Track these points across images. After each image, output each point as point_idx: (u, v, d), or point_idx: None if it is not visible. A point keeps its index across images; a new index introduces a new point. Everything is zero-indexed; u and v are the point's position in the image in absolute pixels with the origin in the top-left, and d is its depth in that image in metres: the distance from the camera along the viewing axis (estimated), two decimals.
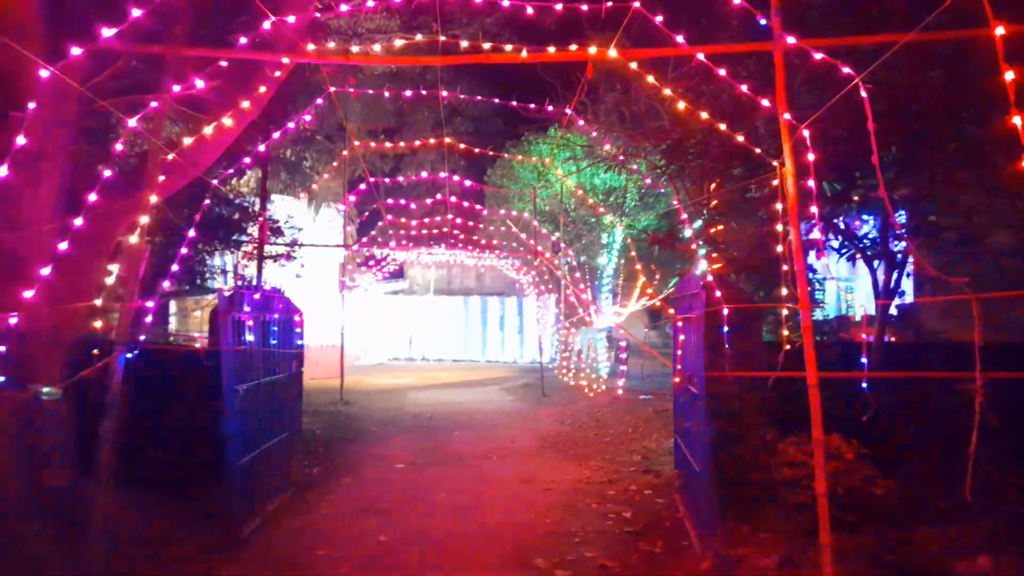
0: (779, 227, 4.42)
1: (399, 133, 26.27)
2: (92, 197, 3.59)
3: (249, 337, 6.53)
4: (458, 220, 16.64)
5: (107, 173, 3.66)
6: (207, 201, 5.50)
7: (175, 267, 5.15)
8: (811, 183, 3.87)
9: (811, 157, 3.85)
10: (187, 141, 4.56)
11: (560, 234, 19.30)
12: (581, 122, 7.31)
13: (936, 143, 7.25)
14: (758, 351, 7.01)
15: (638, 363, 18.58)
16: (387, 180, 16.04)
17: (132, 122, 3.80)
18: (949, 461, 6.13)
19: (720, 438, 6.25)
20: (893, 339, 10.23)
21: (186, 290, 15.71)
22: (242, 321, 6.39)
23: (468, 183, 12.41)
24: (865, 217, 8.61)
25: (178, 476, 6.53)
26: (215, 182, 5.70)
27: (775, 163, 4.40)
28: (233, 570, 5.39)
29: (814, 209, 3.90)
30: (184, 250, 5.16)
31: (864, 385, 4.23)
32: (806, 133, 3.84)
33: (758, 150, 4.79)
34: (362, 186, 12.50)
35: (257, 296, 6.67)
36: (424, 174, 12.68)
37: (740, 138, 4.98)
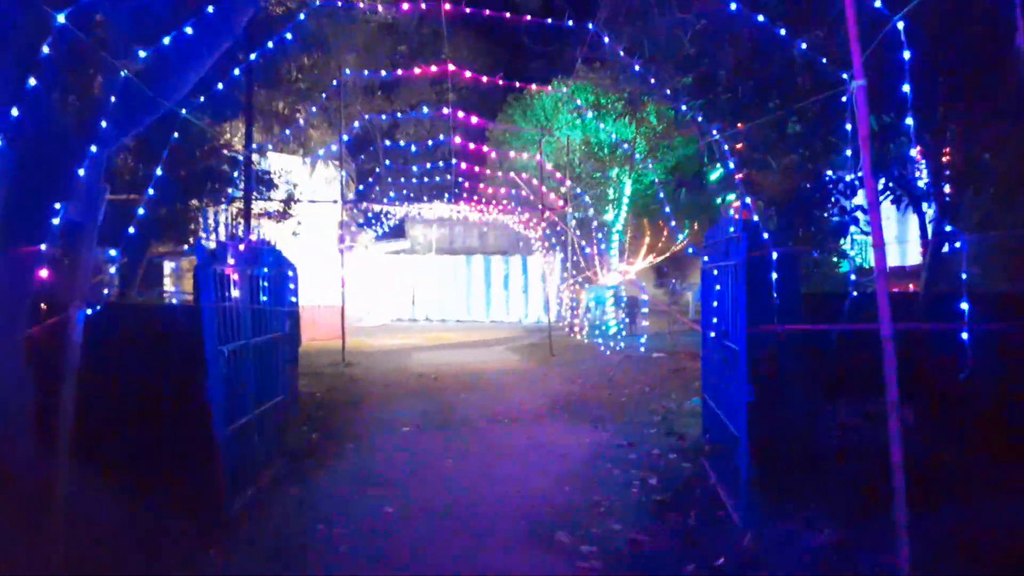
0: (847, 152, 3.74)
1: (397, 90, 25.34)
2: (13, 112, 2.90)
3: (235, 293, 5.89)
4: (462, 165, 15.81)
5: (32, 82, 2.96)
6: (176, 134, 4.78)
7: (141, 211, 4.50)
8: (906, 88, 3.17)
9: (907, 55, 3.15)
10: (143, 54, 3.84)
11: (566, 188, 18.54)
12: (606, 39, 6.53)
13: (991, 74, 6.49)
14: (796, 302, 6.36)
15: (649, 322, 17.97)
16: (384, 116, 15.13)
17: (60, 18, 3.08)
18: None
19: (758, 400, 5.65)
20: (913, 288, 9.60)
21: (182, 250, 15.11)
22: (226, 276, 5.75)
23: (474, 119, 11.57)
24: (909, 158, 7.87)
25: (160, 447, 5.96)
26: (190, 115, 4.98)
27: (844, 75, 3.69)
28: (220, 552, 4.84)
29: (910, 121, 3.20)
30: (151, 191, 4.49)
31: (965, 337, 3.59)
32: (900, 26, 3.13)
33: (824, 59, 4.07)
34: (356, 124, 11.70)
35: (243, 248, 6.01)
36: (425, 109, 11.84)
37: (803, 45, 4.24)
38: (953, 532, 4.43)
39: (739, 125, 7.01)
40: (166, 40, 3.89)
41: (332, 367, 13.52)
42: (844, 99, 3.72)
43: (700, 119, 6.70)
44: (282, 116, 17.27)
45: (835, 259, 10.30)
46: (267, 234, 15.29)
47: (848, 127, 3.76)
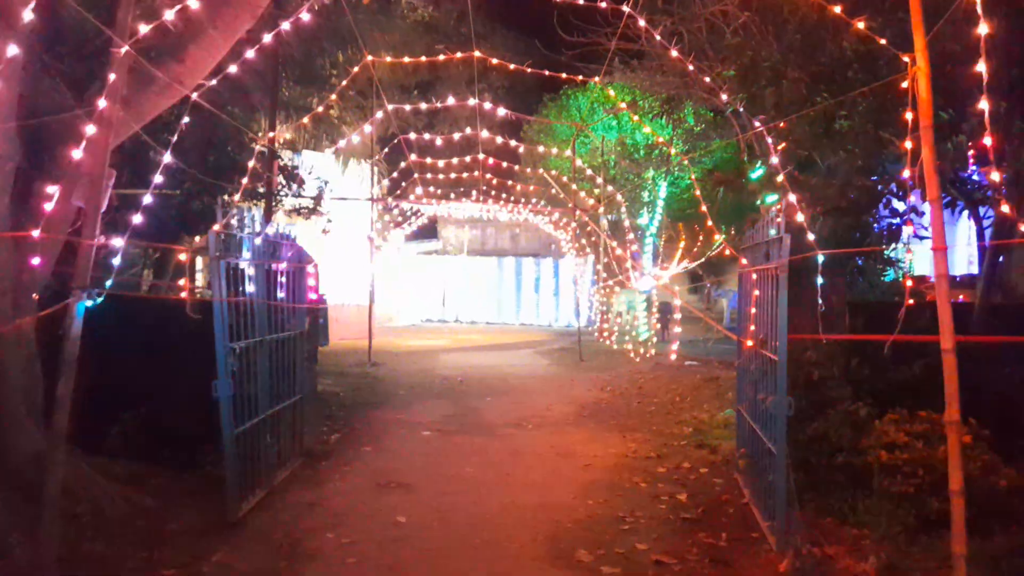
0: (907, 144, 3.37)
1: (432, 88, 25.25)
2: None
3: (250, 288, 5.70)
4: (490, 161, 15.48)
5: (12, 51, 2.76)
6: (186, 118, 4.59)
7: (148, 199, 4.31)
8: (981, 67, 2.79)
9: (983, 30, 2.78)
10: (143, 29, 3.63)
11: (600, 190, 18.17)
12: (642, 22, 6.22)
13: None
14: (841, 310, 5.97)
15: (682, 329, 17.51)
16: (408, 107, 14.82)
17: None
18: None
19: (797, 413, 5.27)
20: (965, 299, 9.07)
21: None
22: (241, 269, 5.56)
23: (501, 111, 11.23)
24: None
25: (170, 445, 5.80)
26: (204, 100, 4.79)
27: (905, 59, 3.32)
28: (224, 555, 4.62)
29: (983, 105, 2.83)
30: (160, 178, 4.31)
31: None
32: None
33: (883, 41, 3.70)
34: (379, 114, 11.45)
35: (259, 241, 5.81)
36: (451, 99, 11.55)
37: (860, 24, 3.87)
38: (1013, 558, 4.02)
39: (782, 124, 6.62)
40: (170, 14, 3.68)
41: (357, 367, 13.36)
42: (904, 85, 3.36)
43: (742, 111, 6.32)
44: (315, 112, 17.22)
45: (880, 267, 9.78)
46: (297, 231, 15.24)
47: (908, 116, 3.39)
